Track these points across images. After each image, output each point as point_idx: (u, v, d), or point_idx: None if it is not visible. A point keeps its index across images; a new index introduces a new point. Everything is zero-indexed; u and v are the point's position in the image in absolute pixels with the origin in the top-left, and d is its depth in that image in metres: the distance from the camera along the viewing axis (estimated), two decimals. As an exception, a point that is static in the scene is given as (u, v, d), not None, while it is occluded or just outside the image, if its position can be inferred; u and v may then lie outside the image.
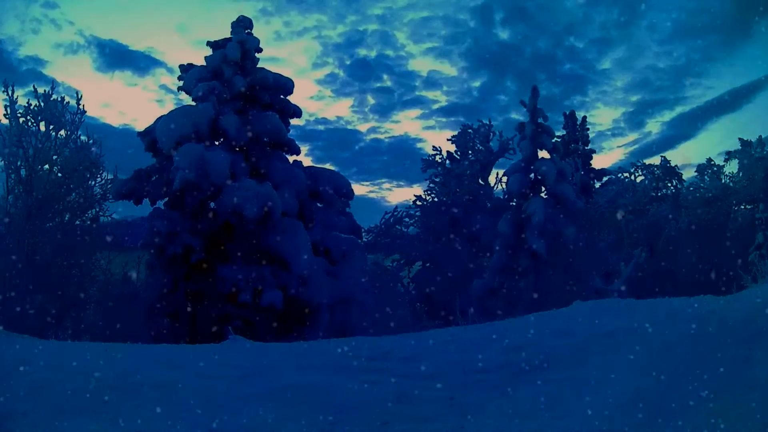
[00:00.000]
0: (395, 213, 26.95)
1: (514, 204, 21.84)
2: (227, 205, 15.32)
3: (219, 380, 6.90)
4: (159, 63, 74.14)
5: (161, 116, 17.11)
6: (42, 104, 15.71)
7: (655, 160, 29.36)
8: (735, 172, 25.79)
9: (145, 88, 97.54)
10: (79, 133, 16.46)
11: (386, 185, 74.80)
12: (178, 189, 15.34)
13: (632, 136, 79.34)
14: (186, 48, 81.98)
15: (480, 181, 25.61)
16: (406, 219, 26.82)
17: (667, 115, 79.90)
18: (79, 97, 16.50)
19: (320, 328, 16.01)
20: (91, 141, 16.71)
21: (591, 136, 27.94)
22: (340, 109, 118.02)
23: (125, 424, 5.45)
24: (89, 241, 16.46)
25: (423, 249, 25.03)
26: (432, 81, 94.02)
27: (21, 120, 15.41)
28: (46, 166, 15.72)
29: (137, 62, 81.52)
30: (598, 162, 38.55)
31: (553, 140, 21.90)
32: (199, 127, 16.11)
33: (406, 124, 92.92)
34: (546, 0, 73.37)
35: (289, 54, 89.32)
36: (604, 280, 20.92)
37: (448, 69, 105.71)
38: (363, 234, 22.61)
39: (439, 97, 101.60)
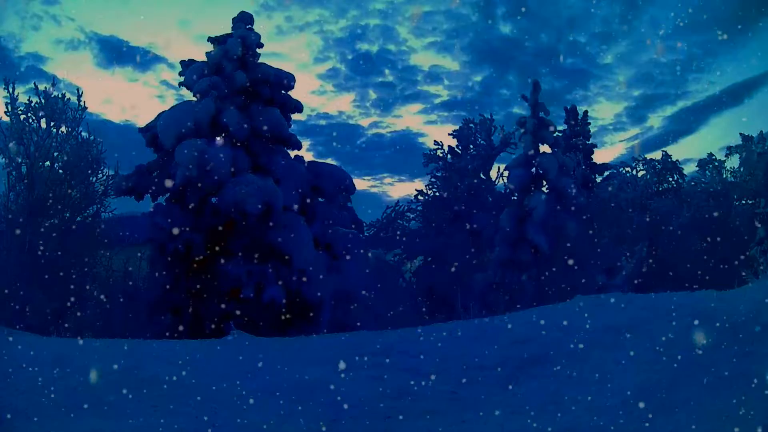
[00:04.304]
0: (397, 207, 26.93)
1: (515, 198, 21.83)
2: (228, 200, 15.32)
3: (221, 376, 6.92)
4: (160, 59, 73.78)
5: (162, 112, 17.09)
6: (43, 101, 15.63)
7: (657, 155, 29.36)
8: (736, 167, 25.76)
9: (146, 84, 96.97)
10: (80, 129, 16.38)
11: (388, 180, 74.39)
12: (180, 185, 15.33)
13: (634, 131, 78.93)
14: (187, 44, 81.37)
15: (481, 175, 25.53)
16: (408, 213, 26.78)
17: (669, 110, 79.34)
18: (80, 93, 16.44)
19: (322, 323, 16.02)
20: (92, 137, 16.66)
21: (592, 130, 27.94)
22: (341, 104, 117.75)
23: (127, 420, 5.46)
24: (90, 238, 16.42)
25: (425, 243, 25.00)
26: (434, 75, 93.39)
27: (22, 117, 15.34)
28: (47, 163, 15.65)
29: (138, 58, 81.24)
30: (600, 156, 38.56)
31: (555, 135, 21.86)
32: (200, 123, 16.10)
33: (408, 118, 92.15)
34: (548, -6, 72.94)
35: (291, 49, 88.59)
36: (606, 275, 20.94)
37: (450, 63, 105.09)
38: (364, 229, 22.56)
39: (441, 92, 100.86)
